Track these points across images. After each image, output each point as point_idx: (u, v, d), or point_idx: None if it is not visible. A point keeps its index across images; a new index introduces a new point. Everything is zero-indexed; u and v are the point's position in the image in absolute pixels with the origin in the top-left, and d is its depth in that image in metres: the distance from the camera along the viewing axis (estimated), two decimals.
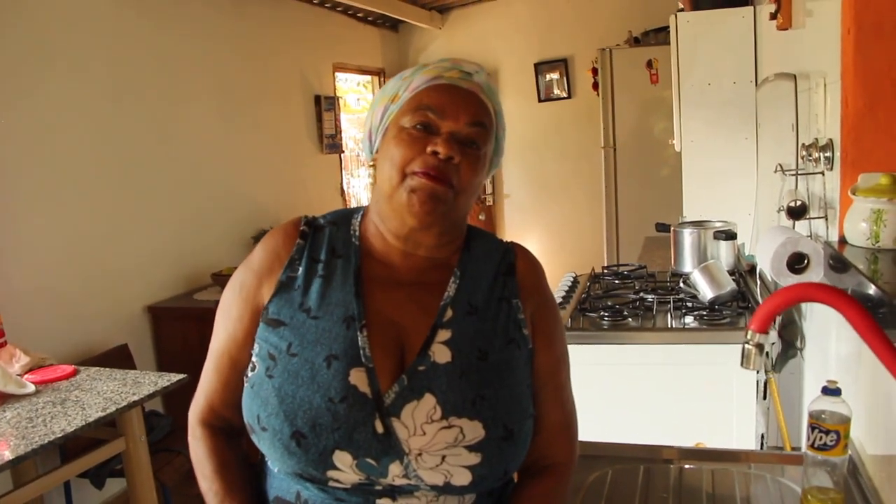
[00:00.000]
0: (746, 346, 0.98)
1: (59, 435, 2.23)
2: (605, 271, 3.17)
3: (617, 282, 2.97)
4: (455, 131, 1.10)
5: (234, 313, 1.16)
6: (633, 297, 2.63)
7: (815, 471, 1.30)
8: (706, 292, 2.44)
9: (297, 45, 5.55)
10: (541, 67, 6.66)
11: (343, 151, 6.16)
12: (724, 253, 2.79)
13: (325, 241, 1.18)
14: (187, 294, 4.17)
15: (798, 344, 2.28)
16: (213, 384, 1.18)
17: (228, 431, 1.20)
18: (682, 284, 2.65)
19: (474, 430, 1.06)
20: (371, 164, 1.18)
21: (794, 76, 2.07)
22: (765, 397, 2.21)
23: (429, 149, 1.09)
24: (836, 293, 0.85)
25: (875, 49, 1.53)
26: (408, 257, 1.17)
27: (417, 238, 1.15)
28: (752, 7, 3.33)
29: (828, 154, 1.73)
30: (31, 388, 2.60)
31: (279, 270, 1.15)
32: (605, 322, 2.39)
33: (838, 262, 1.58)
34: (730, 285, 2.45)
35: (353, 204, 6.47)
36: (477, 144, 1.13)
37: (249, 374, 1.12)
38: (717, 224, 2.91)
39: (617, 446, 1.69)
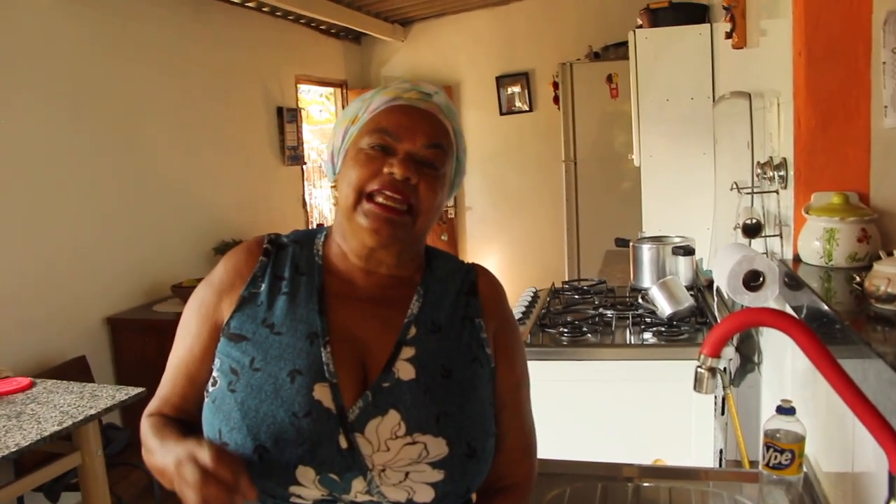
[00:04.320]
0: (699, 370, 0.98)
1: (14, 449, 2.19)
2: (566, 286, 3.18)
3: (577, 297, 2.98)
4: (412, 152, 1.11)
5: (193, 329, 1.15)
6: (593, 313, 2.64)
7: (771, 489, 1.31)
8: (665, 308, 2.46)
9: (260, 57, 5.51)
10: (502, 81, 6.69)
11: (305, 163, 6.13)
12: (682, 268, 2.81)
13: (289, 259, 1.18)
14: (147, 306, 4.11)
15: (755, 359, 2.30)
16: (168, 393, 1.16)
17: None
18: (640, 300, 2.67)
19: (438, 447, 1.05)
20: (333, 185, 1.18)
21: (749, 94, 2.10)
22: (723, 412, 2.22)
23: (385, 169, 1.09)
24: (785, 318, 0.85)
25: (826, 70, 1.55)
26: (370, 275, 1.17)
27: (378, 257, 1.15)
28: (708, 24, 3.38)
29: (782, 173, 1.75)
30: None
31: (241, 287, 1.14)
32: (564, 338, 2.39)
33: (793, 281, 1.60)
34: (688, 301, 2.47)
35: (315, 215, 6.44)
36: (435, 165, 1.13)
37: (210, 389, 1.10)
38: (676, 239, 2.93)
39: (575, 464, 1.69)
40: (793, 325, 0.82)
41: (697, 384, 0.99)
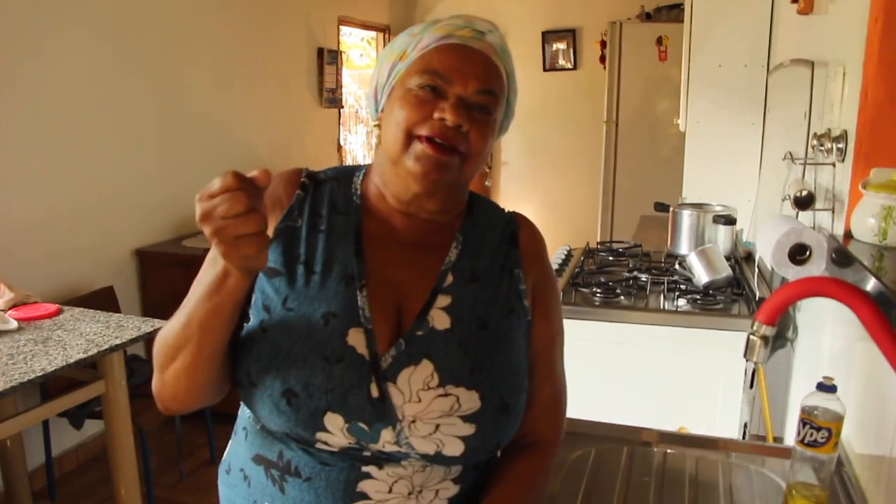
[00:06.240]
0: (752, 337, 0.94)
1: (39, 374, 2.21)
2: (600, 247, 3.14)
3: (611, 258, 2.94)
4: (464, 97, 1.06)
5: None
6: (627, 276, 2.60)
7: (802, 466, 1.28)
8: (701, 276, 2.41)
9: None
10: (548, 36, 6.57)
11: (342, 107, 6.08)
12: (721, 237, 2.75)
13: (327, 196, 1.14)
14: (176, 240, 4.11)
15: (789, 335, 2.25)
16: None
17: None
18: (677, 266, 2.62)
19: (471, 400, 1.02)
20: (376, 123, 1.13)
21: (812, 63, 2.02)
22: (751, 386, 2.19)
23: (436, 115, 1.04)
24: (851, 290, 0.82)
25: None
26: (409, 218, 1.13)
27: (420, 203, 1.11)
28: None
29: (840, 145, 1.69)
30: (14, 324, 2.57)
31: (279, 215, 1.10)
32: (596, 298, 2.36)
33: (841, 257, 1.55)
34: (726, 271, 2.42)
35: (349, 160, 6.40)
36: (487, 110, 1.08)
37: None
38: (717, 208, 2.87)
39: (601, 425, 1.67)
40: (858, 297, 0.78)
41: (749, 351, 0.95)
